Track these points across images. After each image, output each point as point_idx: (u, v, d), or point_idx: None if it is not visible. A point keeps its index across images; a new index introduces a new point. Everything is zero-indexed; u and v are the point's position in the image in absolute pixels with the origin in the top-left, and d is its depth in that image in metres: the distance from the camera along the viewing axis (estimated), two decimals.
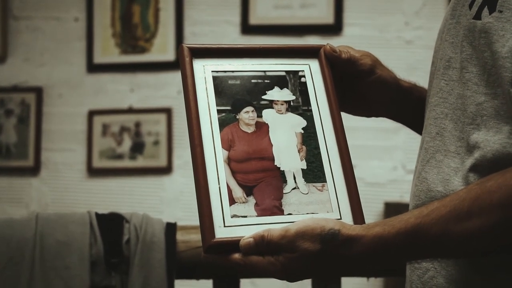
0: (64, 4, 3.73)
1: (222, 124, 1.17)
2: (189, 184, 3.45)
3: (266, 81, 1.24)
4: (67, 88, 3.71)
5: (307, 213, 1.13)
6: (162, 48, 3.64)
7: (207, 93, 1.19)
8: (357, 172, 3.99)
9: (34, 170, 3.69)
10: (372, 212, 3.38)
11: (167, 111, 3.60)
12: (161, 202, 3.61)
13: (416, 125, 1.42)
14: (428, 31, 3.43)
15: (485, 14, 1.14)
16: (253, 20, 3.59)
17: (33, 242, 1.71)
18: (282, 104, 1.22)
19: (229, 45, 1.26)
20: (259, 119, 1.19)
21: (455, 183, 1.11)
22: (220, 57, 1.23)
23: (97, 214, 1.83)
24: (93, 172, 3.66)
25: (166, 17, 3.63)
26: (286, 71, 1.26)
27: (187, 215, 3.50)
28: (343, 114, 1.33)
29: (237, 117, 1.18)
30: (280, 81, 1.24)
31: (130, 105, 3.67)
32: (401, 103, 1.43)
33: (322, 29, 3.54)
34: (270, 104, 1.22)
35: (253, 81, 1.24)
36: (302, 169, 1.17)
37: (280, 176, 1.15)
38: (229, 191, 1.11)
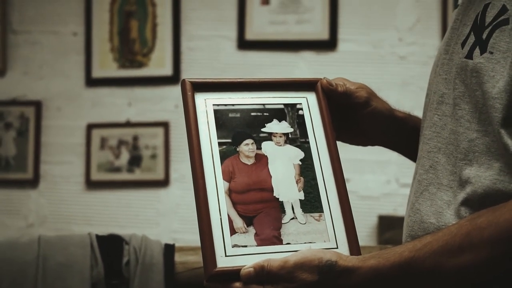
0: (63, 19, 3.76)
1: (223, 156, 1.21)
2: (185, 197, 3.50)
3: (265, 114, 1.28)
4: (66, 102, 3.74)
5: (305, 243, 1.17)
6: (160, 62, 3.67)
7: (208, 126, 1.23)
8: (351, 186, 4.04)
9: (32, 183, 3.71)
10: (366, 225, 3.43)
11: (165, 125, 3.64)
12: (158, 214, 3.64)
13: (411, 153, 1.46)
14: (422, 46, 3.49)
15: (477, 54, 1.19)
16: (249, 35, 3.63)
17: (35, 264, 1.75)
18: (280, 137, 1.26)
19: (230, 79, 1.30)
20: (259, 151, 1.23)
21: (447, 216, 1.15)
22: (221, 91, 1.27)
23: (97, 236, 1.87)
24: (91, 184, 3.68)
25: (164, 32, 3.67)
26: (284, 104, 1.30)
27: (183, 227, 3.54)
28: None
29: (238, 149, 1.22)
30: (278, 114, 1.28)
31: (128, 118, 3.71)
32: (396, 133, 1.47)
33: (317, 45, 3.58)
34: (269, 136, 1.25)
35: (252, 114, 1.27)
36: (300, 200, 1.21)
37: (279, 207, 1.19)
38: (230, 222, 1.15)
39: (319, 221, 1.20)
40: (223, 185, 1.18)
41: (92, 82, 3.71)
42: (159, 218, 3.65)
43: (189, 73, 3.63)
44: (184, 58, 3.69)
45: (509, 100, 1.13)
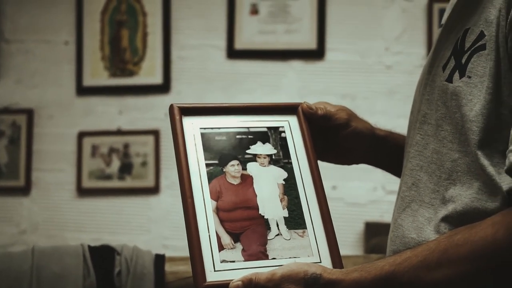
0: (55, 28, 3.79)
1: (211, 177, 1.26)
2: (176, 204, 3.53)
3: (249, 136, 1.34)
4: (58, 110, 3.77)
5: (290, 257, 1.22)
6: (150, 71, 3.70)
7: (196, 149, 1.28)
8: (338, 193, 4.05)
9: (25, 190, 3.74)
10: (353, 231, 3.47)
11: (155, 133, 3.67)
12: (149, 221, 3.67)
13: (394, 170, 1.52)
14: (408, 56, 3.54)
15: (456, 78, 1.25)
16: (239, 44, 3.66)
17: (30, 274, 1.80)
18: (264, 158, 1.31)
19: (216, 104, 1.35)
20: (244, 172, 1.29)
21: (427, 231, 1.21)
22: (207, 115, 1.33)
23: (89, 247, 1.92)
24: (83, 192, 3.71)
25: (154, 41, 3.71)
26: (268, 127, 1.36)
27: (174, 234, 3.57)
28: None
29: (224, 170, 1.28)
30: (262, 136, 1.34)
31: (118, 127, 3.73)
32: (378, 152, 1.53)
33: (305, 54, 3.63)
34: (254, 157, 1.31)
35: (237, 137, 1.33)
36: (284, 217, 1.26)
37: (264, 224, 1.24)
38: (218, 238, 1.20)
39: (302, 237, 1.25)
40: (211, 204, 1.23)
41: (83, 90, 3.75)
42: (150, 225, 3.67)
43: (179, 82, 3.70)
44: (174, 67, 3.72)
45: (485, 123, 1.19)
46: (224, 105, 1.37)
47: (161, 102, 3.68)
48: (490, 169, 1.18)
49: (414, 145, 1.34)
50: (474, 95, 1.22)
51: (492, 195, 1.17)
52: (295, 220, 1.27)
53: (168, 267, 1.88)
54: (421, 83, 1.38)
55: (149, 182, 3.67)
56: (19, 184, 3.74)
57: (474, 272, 1.10)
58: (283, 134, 1.37)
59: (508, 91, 1.20)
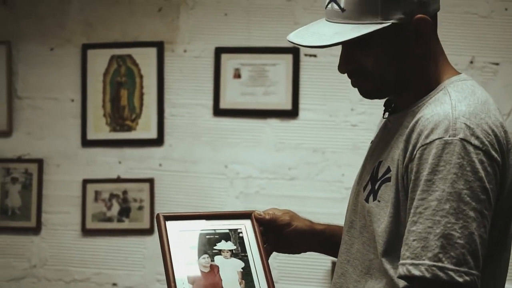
0: (62, 87, 3.91)
1: (188, 266, 1.65)
2: None
3: (215, 236, 1.71)
4: (64, 160, 3.88)
5: None
6: (146, 127, 3.82)
7: (176, 245, 1.67)
8: None
9: (35, 230, 3.87)
10: (320, 269, 3.69)
11: (150, 181, 3.81)
12: (144, 258, 3.83)
13: (332, 253, 1.81)
14: (370, 116, 3.62)
15: (371, 200, 1.48)
16: (223, 104, 3.79)
17: None
18: (227, 252, 1.70)
19: (191, 212, 1.77)
20: (212, 263, 1.66)
21: None
22: (185, 220, 1.72)
23: None
24: (86, 232, 3.85)
25: (149, 101, 3.81)
26: (229, 229, 1.74)
27: None
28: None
29: (197, 261, 1.66)
30: (225, 236, 1.72)
31: (118, 175, 3.87)
32: (317, 243, 1.82)
33: (281, 114, 3.75)
34: (219, 252, 1.69)
35: (207, 236, 1.70)
36: None
37: None
38: None
39: None
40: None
41: (87, 143, 3.85)
42: (145, 262, 3.82)
43: (171, 136, 3.84)
44: (167, 123, 3.83)
45: (387, 238, 1.42)
46: (197, 213, 1.77)
47: (156, 154, 3.82)
48: (391, 271, 1.42)
49: (344, 243, 1.60)
50: (381, 215, 1.44)
51: None
52: None
53: None
54: (353, 192, 1.64)
55: (145, 224, 3.80)
56: (31, 225, 3.85)
57: None
58: (240, 234, 1.73)
59: (405, 214, 1.40)
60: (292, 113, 3.79)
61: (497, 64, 3.71)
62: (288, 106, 3.78)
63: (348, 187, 3.52)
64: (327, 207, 3.74)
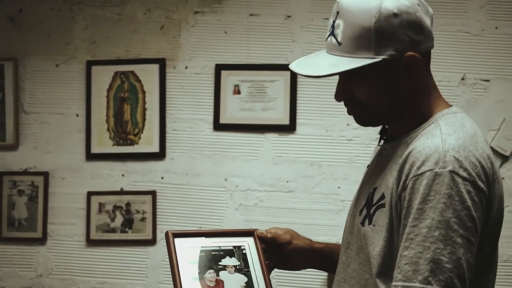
0: (67, 102, 3.94)
1: (195, 281, 1.75)
2: None
3: (220, 253, 1.81)
4: (69, 173, 3.91)
5: None
6: (149, 141, 3.84)
7: (184, 261, 1.76)
8: None
9: (41, 240, 3.90)
10: (316, 279, 3.74)
11: (152, 193, 3.84)
12: (147, 268, 3.86)
13: (330, 270, 1.89)
14: (365, 130, 3.68)
15: (366, 224, 1.55)
16: (223, 119, 3.81)
17: None
18: (231, 268, 1.80)
19: (198, 230, 1.88)
20: (218, 278, 1.77)
21: None
22: (193, 237, 1.82)
23: None
24: (91, 242, 3.88)
25: (152, 116, 3.83)
26: (233, 246, 1.83)
27: (168, 280, 3.72)
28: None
29: (204, 276, 1.76)
30: (229, 252, 1.82)
31: (121, 188, 3.90)
32: (316, 260, 1.90)
33: (279, 128, 3.78)
34: (224, 267, 1.78)
35: (212, 253, 1.80)
36: None
37: None
38: None
39: None
40: None
41: (91, 156, 3.88)
42: (147, 272, 3.85)
43: (173, 150, 3.87)
44: (168, 137, 3.86)
45: (382, 261, 1.48)
46: (204, 231, 1.88)
47: (158, 167, 3.85)
48: None
49: (341, 263, 1.67)
50: (376, 239, 1.50)
51: None
52: None
53: None
54: (350, 213, 1.70)
55: (147, 235, 3.82)
56: (37, 236, 3.88)
57: None
58: (244, 251, 1.83)
59: (398, 239, 1.46)
60: (290, 128, 3.82)
61: (487, 80, 3.80)
62: (286, 121, 3.81)
63: (344, 200, 3.67)
64: (324, 218, 3.82)
